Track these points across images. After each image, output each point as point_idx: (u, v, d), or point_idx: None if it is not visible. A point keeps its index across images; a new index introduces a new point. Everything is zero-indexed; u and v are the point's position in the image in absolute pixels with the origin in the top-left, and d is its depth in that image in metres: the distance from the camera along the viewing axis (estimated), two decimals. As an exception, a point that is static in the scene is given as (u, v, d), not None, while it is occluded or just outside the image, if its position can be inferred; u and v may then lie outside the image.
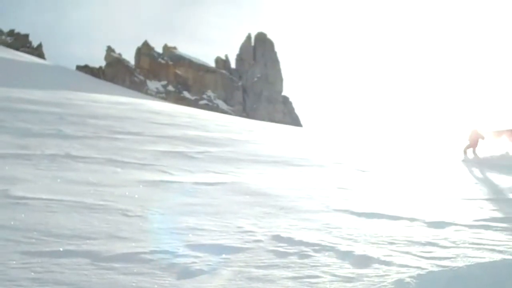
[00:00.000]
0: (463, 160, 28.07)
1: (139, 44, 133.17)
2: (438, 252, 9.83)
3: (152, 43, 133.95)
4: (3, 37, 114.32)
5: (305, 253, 9.38)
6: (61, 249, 8.72)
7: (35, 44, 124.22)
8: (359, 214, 13.08)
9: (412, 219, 12.91)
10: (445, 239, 11.01)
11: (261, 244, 9.76)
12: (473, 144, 28.95)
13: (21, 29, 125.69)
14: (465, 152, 29.11)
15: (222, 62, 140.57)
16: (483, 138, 28.89)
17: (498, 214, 13.83)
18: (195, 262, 8.58)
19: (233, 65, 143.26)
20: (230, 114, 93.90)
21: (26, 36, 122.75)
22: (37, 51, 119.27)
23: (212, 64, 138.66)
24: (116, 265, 8.26)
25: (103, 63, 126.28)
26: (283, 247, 9.65)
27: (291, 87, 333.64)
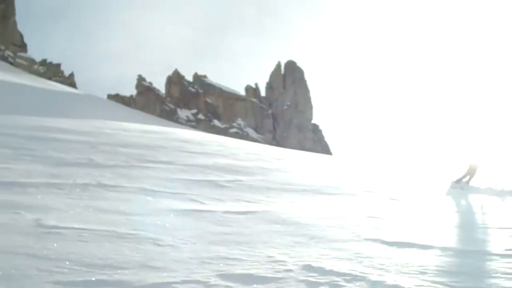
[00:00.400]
0: (452, 187, 26.87)
1: (169, 72, 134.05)
2: (470, 282, 9.76)
3: (182, 71, 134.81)
4: (36, 66, 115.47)
5: (336, 283, 9.37)
6: (93, 279, 8.77)
7: (67, 73, 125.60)
8: (390, 244, 13.01)
9: (443, 248, 12.82)
10: (477, 268, 10.94)
11: (292, 274, 9.75)
12: (471, 174, 27.84)
13: (52, 59, 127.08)
14: (458, 182, 27.53)
15: (252, 90, 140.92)
16: (478, 167, 28.01)
17: (531, 244, 13.67)
18: (226, 292, 8.60)
19: (263, 93, 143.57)
20: (260, 142, 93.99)
21: (58, 65, 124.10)
22: (69, 80, 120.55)
23: (242, 92, 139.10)
24: (148, 295, 8.30)
25: (134, 92, 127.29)
26: (314, 277, 9.63)
27: (321, 115, 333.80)
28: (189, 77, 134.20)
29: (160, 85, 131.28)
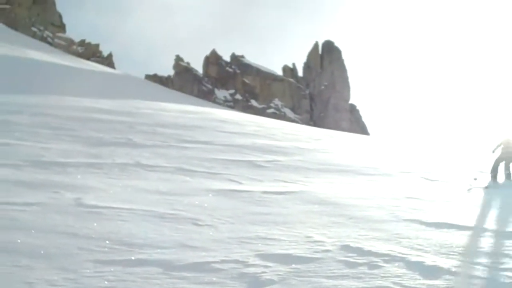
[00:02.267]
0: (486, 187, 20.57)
1: (207, 52, 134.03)
2: (510, 264, 9.68)
3: (219, 51, 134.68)
4: (74, 47, 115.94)
5: (375, 263, 9.34)
6: (133, 258, 8.85)
7: (105, 53, 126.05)
8: (429, 224, 12.94)
9: (482, 229, 12.74)
10: (518, 250, 10.84)
11: (330, 254, 9.74)
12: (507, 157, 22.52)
13: (91, 39, 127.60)
14: (494, 171, 22.42)
15: (289, 71, 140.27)
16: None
17: None
18: (265, 272, 8.62)
19: (300, 73, 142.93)
20: (297, 122, 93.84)
21: (97, 45, 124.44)
22: (107, 61, 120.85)
23: (279, 72, 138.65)
24: (187, 274, 8.35)
25: (171, 72, 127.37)
26: (352, 257, 9.62)
27: (358, 95, 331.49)
28: (227, 57, 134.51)
29: (198, 66, 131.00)
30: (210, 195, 14.55)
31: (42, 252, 8.83)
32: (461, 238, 11.70)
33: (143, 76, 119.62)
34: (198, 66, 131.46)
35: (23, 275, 7.91)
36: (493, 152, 23.04)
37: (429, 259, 9.72)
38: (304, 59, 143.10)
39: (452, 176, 22.39)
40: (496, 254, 10.39)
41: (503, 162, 22.57)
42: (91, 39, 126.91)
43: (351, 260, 9.49)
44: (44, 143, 20.38)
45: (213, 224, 11.38)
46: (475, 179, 21.81)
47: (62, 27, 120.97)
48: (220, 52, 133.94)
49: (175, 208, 12.52)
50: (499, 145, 22.82)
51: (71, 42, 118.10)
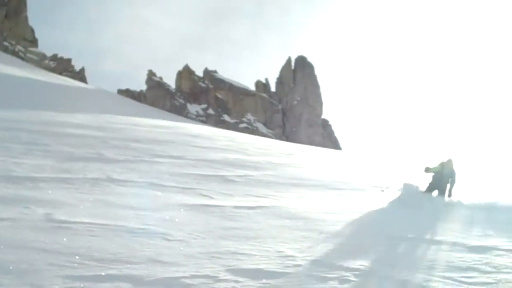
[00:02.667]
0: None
1: (179, 67, 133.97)
2: (479, 278, 9.77)
3: (192, 66, 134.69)
4: (47, 61, 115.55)
5: (346, 278, 9.41)
6: (103, 274, 8.82)
7: (77, 68, 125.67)
8: (399, 238, 13.05)
9: (453, 244, 12.86)
10: (486, 264, 10.95)
11: (301, 269, 9.79)
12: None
13: (64, 54, 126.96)
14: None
15: (262, 86, 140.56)
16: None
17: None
18: (235, 287, 8.63)
19: (273, 88, 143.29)
20: (269, 137, 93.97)
21: (69, 60, 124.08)
22: (80, 75, 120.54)
23: (252, 87, 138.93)
24: (157, 289, 8.34)
25: (144, 87, 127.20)
26: (323, 272, 9.68)
27: (331, 110, 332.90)
28: (200, 72, 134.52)
29: (170, 80, 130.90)
30: (182, 210, 14.54)
31: (11, 267, 8.78)
32: (431, 252, 11.80)
33: (115, 91, 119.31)
34: (170, 81, 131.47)
35: (-8, 291, 7.86)
36: (426, 171, 21.89)
37: (400, 273, 9.79)
38: (276, 74, 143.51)
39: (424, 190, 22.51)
40: (466, 268, 10.48)
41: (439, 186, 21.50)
42: (63, 54, 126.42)
43: (322, 274, 9.55)
44: (16, 158, 20.23)
45: (184, 239, 11.37)
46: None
47: (34, 42, 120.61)
48: (193, 67, 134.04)
49: (146, 223, 12.49)
50: (434, 168, 21.82)
51: (43, 56, 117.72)
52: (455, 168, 21.85)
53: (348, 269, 9.90)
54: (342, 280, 9.26)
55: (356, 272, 9.74)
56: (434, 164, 21.98)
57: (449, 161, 21.89)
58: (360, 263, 10.34)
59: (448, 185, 21.62)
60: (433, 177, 21.82)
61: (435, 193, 21.67)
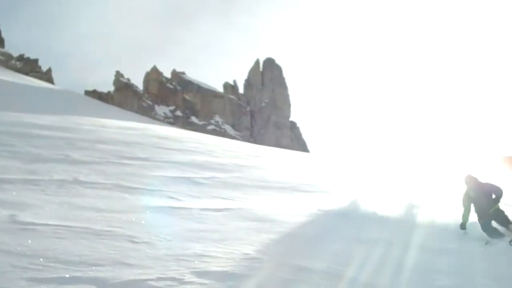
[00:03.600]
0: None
1: (145, 67, 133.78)
2: (443, 280, 9.88)
3: (159, 67, 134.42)
4: (13, 61, 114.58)
5: (312, 280, 9.44)
6: (67, 276, 8.78)
7: (44, 68, 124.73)
8: (363, 240, 13.16)
9: (416, 246, 12.99)
10: (454, 265, 11.07)
11: (267, 271, 9.81)
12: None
13: (30, 54, 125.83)
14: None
15: (230, 87, 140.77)
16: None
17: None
18: (200, 290, 8.65)
19: (241, 90, 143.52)
20: (237, 139, 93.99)
21: (36, 61, 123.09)
22: (47, 76, 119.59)
23: (220, 89, 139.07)
24: (122, 292, 8.33)
25: (111, 87, 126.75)
26: (289, 274, 9.70)
27: (299, 113, 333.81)
28: (168, 74, 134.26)
29: (138, 82, 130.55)
30: (148, 212, 14.49)
31: (-26, 269, 8.73)
32: (397, 255, 11.90)
33: (82, 91, 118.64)
34: (137, 82, 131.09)
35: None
36: (465, 206, 16.51)
37: (366, 276, 9.86)
38: (243, 75, 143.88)
39: (391, 193, 22.65)
40: (429, 270, 10.58)
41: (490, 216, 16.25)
42: (29, 54, 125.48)
43: (288, 277, 9.58)
44: (-19, 159, 20.11)
45: (150, 241, 11.34)
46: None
47: (0, 42, 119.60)
48: (160, 68, 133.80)
49: (112, 225, 12.45)
50: (467, 194, 16.73)
51: (9, 57, 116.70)
52: (480, 182, 16.84)
53: (314, 271, 9.95)
54: (308, 282, 9.30)
55: (323, 274, 9.79)
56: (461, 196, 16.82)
57: (469, 179, 17.00)
58: (327, 265, 10.40)
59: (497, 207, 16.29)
60: (474, 208, 16.54)
61: (493, 224, 16.16)
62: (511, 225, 15.90)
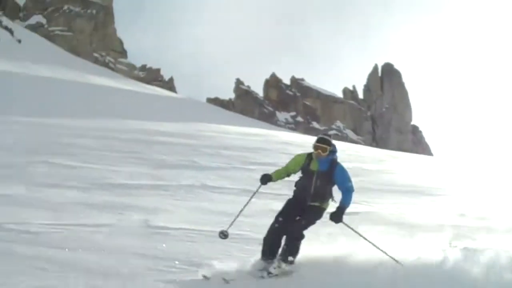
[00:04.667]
0: None
1: (263, 73, 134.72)
2: None
3: (279, 75, 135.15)
4: (136, 71, 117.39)
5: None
6: (201, 278, 8.92)
7: (166, 77, 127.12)
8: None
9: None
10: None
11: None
12: None
13: (151, 64, 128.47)
14: None
15: (349, 93, 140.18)
16: None
17: None
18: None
19: (360, 95, 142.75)
20: (359, 143, 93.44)
21: (158, 70, 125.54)
22: (169, 85, 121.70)
23: (339, 94, 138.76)
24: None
25: (231, 95, 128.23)
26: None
27: (421, 116, 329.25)
28: (287, 81, 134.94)
29: (258, 88, 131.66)
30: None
31: (114, 271, 8.97)
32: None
33: (202, 98, 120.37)
34: (255, 88, 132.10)
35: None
36: None
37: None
38: (360, 80, 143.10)
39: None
40: None
41: None
42: (148, 62, 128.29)
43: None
44: (111, 165, 20.68)
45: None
46: None
47: (123, 53, 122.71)
48: (278, 74, 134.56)
49: (242, 229, 12.57)
50: None
51: (132, 67, 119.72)
52: None
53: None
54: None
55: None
56: None
57: None
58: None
59: None
60: None
61: None
62: None
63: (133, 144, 27.22)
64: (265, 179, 11.44)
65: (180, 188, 17.62)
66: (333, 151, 10.79)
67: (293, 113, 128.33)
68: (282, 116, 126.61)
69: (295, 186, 11.13)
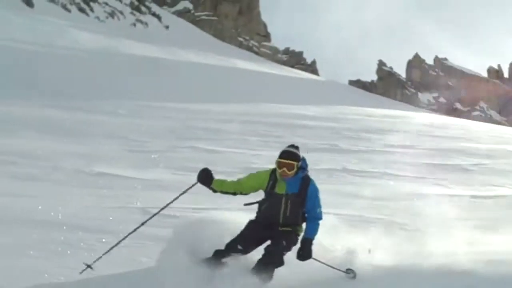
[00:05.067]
0: None
1: (404, 56, 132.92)
2: None
3: (422, 55, 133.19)
4: (279, 55, 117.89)
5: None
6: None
7: (309, 60, 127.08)
8: None
9: None
10: None
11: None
12: None
13: (296, 47, 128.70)
14: None
15: (494, 72, 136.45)
16: None
17: None
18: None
19: (505, 74, 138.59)
20: (504, 125, 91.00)
21: (301, 53, 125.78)
22: (311, 68, 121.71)
23: (484, 74, 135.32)
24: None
25: (374, 77, 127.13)
26: None
27: None
28: (430, 61, 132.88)
29: (400, 70, 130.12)
30: (415, 199, 14.47)
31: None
32: None
33: (343, 80, 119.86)
34: (399, 69, 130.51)
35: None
36: None
37: None
38: (507, 58, 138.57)
39: None
40: None
41: None
42: (291, 45, 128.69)
43: None
44: (253, 150, 21.12)
45: (421, 229, 11.26)
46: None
47: (267, 37, 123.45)
48: (421, 54, 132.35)
49: (382, 213, 12.65)
50: None
51: (275, 51, 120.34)
52: None
53: None
54: None
55: None
56: None
57: None
58: None
59: None
60: None
61: None
62: None
63: (276, 128, 27.63)
64: (205, 178, 8.97)
65: (321, 172, 17.71)
66: (303, 167, 8.92)
67: (435, 94, 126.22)
68: (424, 97, 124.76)
69: (259, 209, 8.78)
